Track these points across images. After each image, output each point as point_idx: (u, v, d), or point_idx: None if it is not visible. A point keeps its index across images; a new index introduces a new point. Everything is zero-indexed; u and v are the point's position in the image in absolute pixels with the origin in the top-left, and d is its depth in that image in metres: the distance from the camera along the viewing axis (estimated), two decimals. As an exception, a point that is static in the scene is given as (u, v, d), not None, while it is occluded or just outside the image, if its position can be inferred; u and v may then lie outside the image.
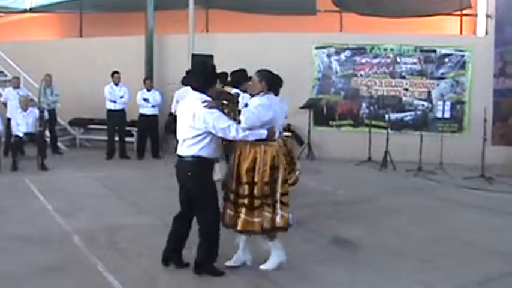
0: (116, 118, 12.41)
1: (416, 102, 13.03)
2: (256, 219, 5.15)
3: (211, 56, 12.24)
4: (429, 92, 12.90)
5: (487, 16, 13.02)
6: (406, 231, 7.03)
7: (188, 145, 5.09)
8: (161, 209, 7.82)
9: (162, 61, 13.82)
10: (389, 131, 12.00)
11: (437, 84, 12.92)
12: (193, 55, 12.71)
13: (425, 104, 12.96)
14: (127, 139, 12.79)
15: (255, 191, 5.14)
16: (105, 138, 12.65)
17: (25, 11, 15.65)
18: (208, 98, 5.10)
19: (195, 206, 5.21)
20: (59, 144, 13.15)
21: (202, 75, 5.34)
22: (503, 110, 12.72)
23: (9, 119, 11.60)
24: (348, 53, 13.32)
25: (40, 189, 8.81)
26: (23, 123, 10.86)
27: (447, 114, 11.75)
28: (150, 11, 13.85)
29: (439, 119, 12.00)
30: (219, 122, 4.97)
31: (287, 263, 5.46)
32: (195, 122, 5.00)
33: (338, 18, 13.78)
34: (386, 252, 6.09)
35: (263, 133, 5.11)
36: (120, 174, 9.32)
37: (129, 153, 12.47)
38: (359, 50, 13.27)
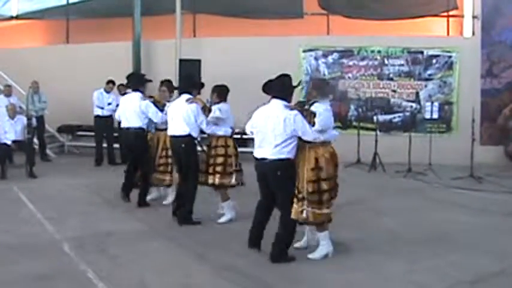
0: (104, 124, 12.36)
1: (404, 103, 13.07)
2: (325, 211, 5.77)
3: (199, 61, 12.22)
4: (417, 93, 12.91)
5: (474, 17, 13.08)
6: (397, 232, 7.05)
7: (278, 149, 5.68)
8: (150, 214, 7.81)
9: (150, 66, 13.77)
10: (378, 132, 12.06)
11: (425, 85, 12.96)
12: (181, 60, 12.68)
13: (414, 105, 12.99)
14: (116, 145, 12.70)
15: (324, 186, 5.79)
16: (94, 144, 12.60)
17: (11, 18, 15.58)
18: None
19: (278, 202, 5.87)
20: (47, 151, 13.07)
21: (283, 86, 5.91)
22: (491, 110, 12.78)
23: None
24: (335, 55, 13.34)
25: (29, 197, 8.75)
26: (11, 131, 10.77)
27: (435, 115, 11.82)
28: (136, 16, 13.81)
29: (428, 119, 12.05)
30: (304, 125, 5.65)
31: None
32: (286, 127, 5.61)
33: (325, 21, 13.82)
34: (378, 253, 6.10)
35: (336, 134, 6.12)
36: (109, 181, 9.26)
37: (118, 159, 12.39)
38: (346, 53, 13.30)
